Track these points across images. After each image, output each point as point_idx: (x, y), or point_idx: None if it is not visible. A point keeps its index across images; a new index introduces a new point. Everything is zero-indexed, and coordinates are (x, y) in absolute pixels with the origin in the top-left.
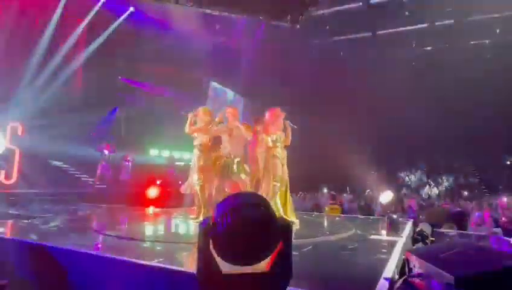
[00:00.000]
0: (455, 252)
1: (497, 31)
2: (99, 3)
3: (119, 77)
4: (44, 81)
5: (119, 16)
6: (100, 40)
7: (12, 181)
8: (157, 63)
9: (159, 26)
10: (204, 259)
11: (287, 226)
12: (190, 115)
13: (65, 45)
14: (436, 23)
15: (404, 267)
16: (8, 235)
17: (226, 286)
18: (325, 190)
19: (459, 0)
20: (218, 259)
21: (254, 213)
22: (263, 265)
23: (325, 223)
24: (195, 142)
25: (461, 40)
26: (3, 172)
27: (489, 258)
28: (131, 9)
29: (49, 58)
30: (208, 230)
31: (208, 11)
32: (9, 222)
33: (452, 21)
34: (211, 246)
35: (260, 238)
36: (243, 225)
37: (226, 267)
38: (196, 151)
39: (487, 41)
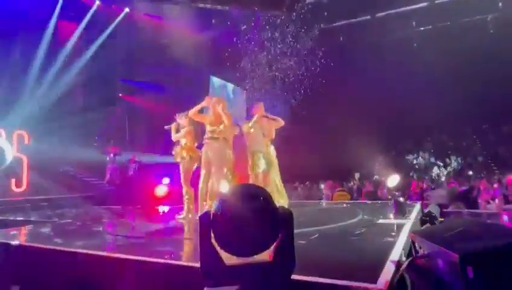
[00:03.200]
0: (460, 230)
1: (500, 4)
2: (95, 6)
3: (119, 79)
4: (45, 87)
5: (115, 18)
6: (98, 42)
7: (22, 189)
8: (155, 61)
9: (154, 25)
10: (207, 252)
11: (287, 216)
12: (173, 125)
13: (64, 50)
14: (436, 1)
15: (411, 250)
16: (19, 242)
17: (230, 278)
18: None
19: None
20: (221, 251)
21: (254, 204)
22: (266, 255)
23: (332, 211)
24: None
25: (462, 16)
26: (13, 180)
27: (495, 234)
28: (127, 9)
29: (48, 64)
30: (208, 223)
31: (202, 5)
32: (21, 228)
33: None
34: (213, 239)
35: (261, 228)
36: (244, 216)
37: (229, 260)
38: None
39: (489, 16)
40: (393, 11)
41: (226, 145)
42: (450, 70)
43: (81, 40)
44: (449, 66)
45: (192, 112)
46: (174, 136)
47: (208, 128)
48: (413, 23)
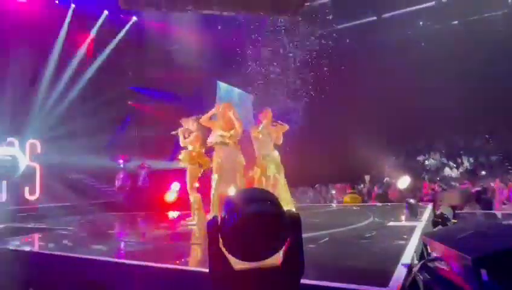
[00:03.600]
0: (473, 232)
1: (509, 0)
2: (103, 17)
3: (128, 86)
4: (56, 96)
5: (123, 27)
6: (107, 51)
7: (36, 197)
8: (163, 69)
9: (162, 32)
10: (216, 257)
11: (295, 220)
12: (181, 130)
13: (74, 60)
14: (443, 0)
15: (423, 252)
16: (33, 248)
17: (239, 283)
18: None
19: None
20: (229, 256)
21: (262, 208)
22: (275, 260)
23: (342, 214)
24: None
25: (471, 14)
26: (27, 188)
27: (509, 235)
28: (134, 18)
29: (59, 74)
30: (216, 228)
31: (208, 11)
32: (34, 235)
33: None
34: (221, 244)
35: (269, 232)
36: (252, 221)
37: (237, 264)
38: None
39: (500, 12)
40: (399, 11)
41: (237, 150)
42: (460, 69)
43: (91, 49)
44: (459, 65)
45: (204, 118)
46: (182, 142)
47: (218, 133)
48: (420, 22)
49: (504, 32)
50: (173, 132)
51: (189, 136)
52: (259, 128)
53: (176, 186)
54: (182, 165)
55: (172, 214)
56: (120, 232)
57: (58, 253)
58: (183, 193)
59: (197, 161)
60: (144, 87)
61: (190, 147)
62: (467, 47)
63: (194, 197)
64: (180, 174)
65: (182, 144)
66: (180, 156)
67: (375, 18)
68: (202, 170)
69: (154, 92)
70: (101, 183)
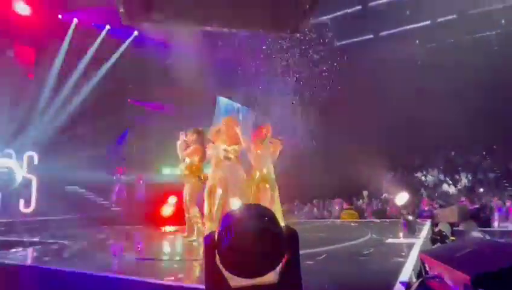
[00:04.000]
0: (471, 250)
1: (502, 21)
2: (104, 31)
3: (128, 99)
4: (56, 109)
5: (124, 41)
6: (108, 65)
7: (31, 209)
8: (164, 82)
9: (163, 47)
10: (212, 274)
11: (293, 236)
12: (179, 143)
13: (75, 73)
14: (438, 20)
15: (421, 270)
16: (26, 263)
17: None
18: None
19: None
20: (226, 273)
21: (258, 224)
22: (272, 277)
23: (340, 230)
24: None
25: (466, 34)
26: (22, 201)
27: (508, 254)
28: (136, 33)
29: (59, 87)
30: (213, 244)
31: (208, 28)
32: (28, 249)
33: (455, 16)
34: (218, 261)
35: (266, 249)
36: (248, 237)
37: (234, 281)
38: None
39: (493, 32)
40: (396, 30)
41: (239, 165)
42: (457, 87)
43: (91, 63)
44: (455, 83)
45: (212, 131)
46: (182, 154)
47: (222, 147)
48: (417, 41)
49: (498, 52)
50: (181, 132)
51: (186, 148)
52: (263, 143)
53: (172, 199)
54: (182, 178)
55: (169, 229)
56: (115, 246)
57: (49, 267)
58: (179, 207)
59: (197, 174)
60: (144, 100)
61: (188, 160)
62: (463, 65)
63: (194, 211)
64: (177, 188)
65: (181, 156)
66: (180, 169)
67: (371, 36)
68: (202, 184)
69: (153, 105)
70: (98, 196)
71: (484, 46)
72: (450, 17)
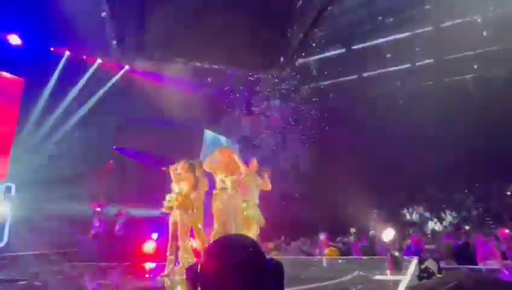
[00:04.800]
0: (456, 284)
1: (475, 66)
2: (96, 65)
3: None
4: (38, 141)
5: (115, 74)
6: (96, 97)
7: (2, 244)
8: (151, 116)
9: (152, 82)
10: None
11: (278, 268)
12: (172, 169)
13: (61, 105)
14: (417, 64)
15: None
16: None
17: None
18: (321, 236)
19: (435, 41)
20: None
21: (243, 255)
22: None
23: (327, 267)
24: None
25: (443, 77)
26: None
27: (491, 285)
28: (127, 67)
29: (44, 118)
30: (195, 276)
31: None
32: None
33: (432, 60)
34: None
35: (250, 280)
36: (232, 267)
37: None
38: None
39: (467, 76)
40: (378, 71)
41: (238, 194)
42: (439, 126)
43: (78, 97)
44: (437, 122)
45: (207, 163)
46: (176, 181)
47: (220, 178)
48: (398, 82)
49: (474, 93)
50: (164, 168)
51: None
52: (242, 176)
53: (155, 236)
54: (168, 210)
55: (150, 266)
56: (91, 285)
57: None
58: (161, 243)
59: (192, 205)
60: (130, 134)
61: (177, 190)
62: (443, 106)
63: (187, 245)
64: (159, 224)
65: (175, 183)
66: (172, 201)
67: (356, 76)
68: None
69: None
70: (77, 230)
71: (460, 88)
72: (427, 61)
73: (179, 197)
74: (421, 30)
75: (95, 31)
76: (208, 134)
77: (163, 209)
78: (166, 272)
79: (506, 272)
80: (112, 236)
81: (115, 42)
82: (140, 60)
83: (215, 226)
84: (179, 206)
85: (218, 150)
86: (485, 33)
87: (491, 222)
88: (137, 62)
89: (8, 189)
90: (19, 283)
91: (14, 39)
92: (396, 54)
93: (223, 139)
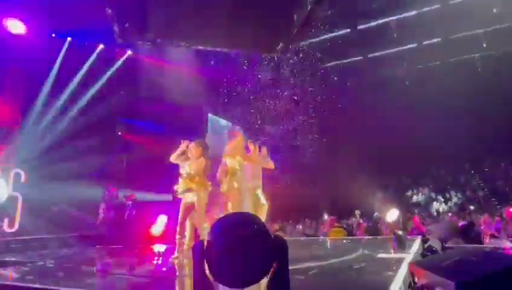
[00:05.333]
0: (457, 259)
1: (484, 44)
2: (98, 50)
3: (119, 117)
4: (45, 126)
5: (118, 60)
6: (100, 83)
7: (14, 229)
8: (156, 101)
9: (155, 66)
10: (200, 284)
11: (281, 244)
12: (182, 146)
13: (66, 90)
14: (424, 43)
15: (411, 283)
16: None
17: None
18: (325, 216)
19: (443, 19)
20: (214, 283)
21: (247, 231)
22: (261, 287)
23: (331, 246)
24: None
25: (451, 56)
26: (6, 220)
27: (492, 261)
28: (129, 52)
29: (50, 104)
30: (201, 253)
31: (201, 47)
32: (9, 268)
33: (440, 39)
34: (207, 270)
35: (254, 257)
36: (237, 244)
37: None
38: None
39: (476, 55)
40: (384, 52)
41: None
42: (445, 107)
43: (83, 82)
44: (443, 103)
45: (230, 146)
46: (176, 161)
47: (236, 160)
48: (404, 63)
49: (482, 72)
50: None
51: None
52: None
53: (162, 219)
54: (182, 195)
55: (159, 248)
56: (101, 264)
57: (38, 286)
58: (169, 226)
59: (208, 186)
60: (135, 118)
61: (191, 172)
62: (449, 86)
63: (206, 225)
64: (166, 207)
65: (174, 160)
66: (187, 183)
67: (361, 58)
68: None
69: (145, 123)
70: (86, 214)
71: (468, 67)
72: (435, 40)
73: (195, 178)
74: (428, 8)
75: (96, 17)
76: (212, 119)
77: (178, 193)
78: (176, 254)
79: (510, 250)
80: (120, 220)
81: (116, 27)
82: (142, 44)
83: (230, 205)
84: (199, 185)
85: (235, 133)
86: (494, 10)
87: (496, 202)
88: (140, 46)
89: (18, 175)
90: (36, 264)
91: (18, 27)
92: (403, 33)
93: (225, 123)
